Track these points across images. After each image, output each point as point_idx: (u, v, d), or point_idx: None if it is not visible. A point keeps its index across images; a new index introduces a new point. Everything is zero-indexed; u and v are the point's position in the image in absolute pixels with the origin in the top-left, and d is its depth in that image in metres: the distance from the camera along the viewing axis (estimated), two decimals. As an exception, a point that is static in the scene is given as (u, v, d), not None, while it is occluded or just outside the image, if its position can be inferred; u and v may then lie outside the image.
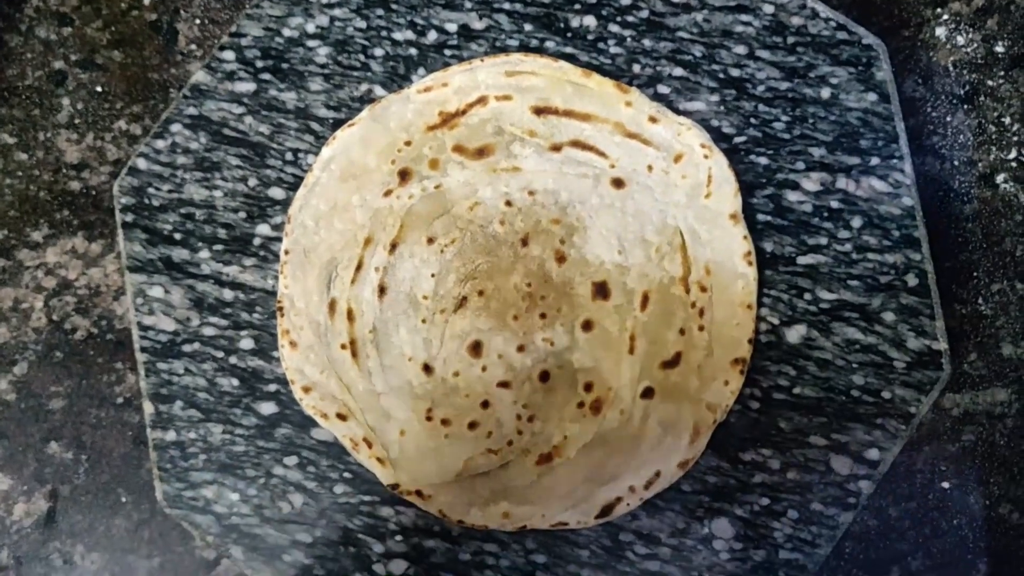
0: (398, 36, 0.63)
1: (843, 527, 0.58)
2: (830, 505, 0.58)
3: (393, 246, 0.60)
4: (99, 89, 0.67)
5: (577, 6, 0.62)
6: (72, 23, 0.67)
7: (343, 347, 0.60)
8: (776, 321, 0.60)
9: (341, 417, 0.59)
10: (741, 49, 0.61)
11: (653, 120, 0.60)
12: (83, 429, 0.65)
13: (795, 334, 0.59)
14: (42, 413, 0.64)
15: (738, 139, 0.61)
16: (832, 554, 0.59)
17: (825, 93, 0.60)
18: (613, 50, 0.62)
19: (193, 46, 0.67)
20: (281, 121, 0.62)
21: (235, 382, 0.60)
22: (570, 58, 0.62)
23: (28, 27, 0.67)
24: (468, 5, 0.62)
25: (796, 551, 0.58)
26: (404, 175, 0.61)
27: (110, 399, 0.64)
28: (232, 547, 0.59)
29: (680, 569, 0.58)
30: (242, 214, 0.62)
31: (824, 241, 0.60)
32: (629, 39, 0.62)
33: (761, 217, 0.60)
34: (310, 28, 0.63)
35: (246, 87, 0.63)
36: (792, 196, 0.60)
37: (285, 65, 0.63)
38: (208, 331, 0.61)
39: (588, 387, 0.59)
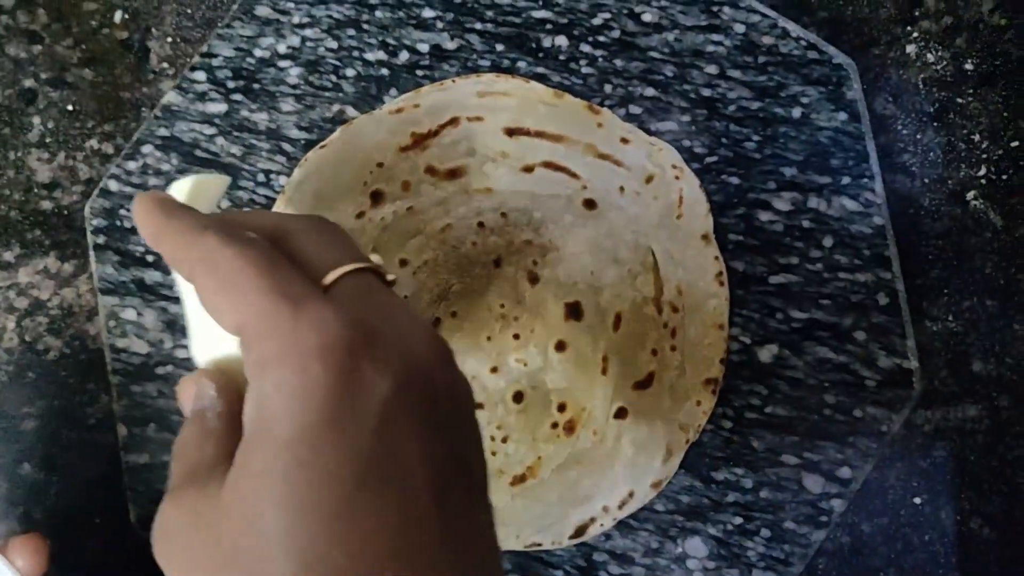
0: (370, 56, 0.63)
1: (815, 545, 0.58)
2: (803, 523, 0.58)
3: (366, 267, 0.60)
4: (70, 108, 0.66)
5: (549, 26, 0.62)
6: (42, 41, 0.67)
7: (316, 369, 0.59)
8: (748, 340, 0.60)
9: (315, 439, 0.59)
10: (712, 69, 0.61)
11: (625, 141, 0.60)
12: (56, 450, 0.64)
13: (767, 353, 0.60)
14: (14, 434, 0.64)
15: (709, 159, 0.61)
16: (805, 572, 0.60)
17: (796, 112, 0.61)
18: (585, 70, 0.62)
19: (165, 64, 0.67)
20: (253, 142, 0.62)
21: (208, 405, 0.60)
22: (542, 78, 0.62)
23: (-2, 46, 0.67)
24: (440, 25, 0.62)
25: (769, 569, 0.58)
26: (376, 197, 0.61)
27: (83, 420, 0.64)
28: (206, 570, 0.59)
29: (653, 589, 0.59)
30: (214, 236, 0.61)
31: (795, 260, 0.60)
32: (600, 59, 0.62)
33: (732, 237, 0.60)
34: (281, 48, 0.63)
35: (217, 108, 0.62)
36: (763, 216, 0.60)
37: (256, 86, 0.62)
38: (181, 353, 0.61)
39: (561, 408, 0.59)
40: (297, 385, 0.29)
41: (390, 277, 0.36)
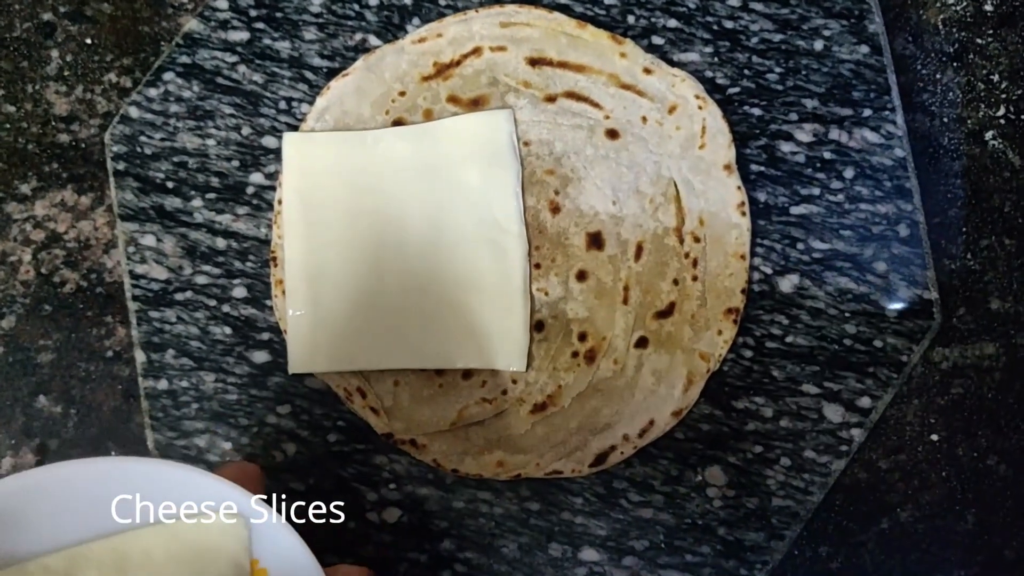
0: (393, -14, 0.63)
1: (835, 474, 0.58)
2: (822, 453, 0.58)
3: (387, 196, 0.60)
4: (88, 41, 0.66)
5: (572, -43, 0.62)
6: (61, -25, 0.67)
7: (337, 296, 0.59)
8: (769, 271, 0.60)
9: (335, 366, 0.59)
10: (735, 1, 0.61)
11: (647, 71, 0.60)
12: (72, 383, 0.64)
13: (788, 283, 0.60)
14: (30, 367, 0.64)
15: (732, 90, 0.61)
16: (823, 506, 0.60)
17: (818, 45, 0.61)
18: (608, 1, 0.62)
19: (184, -1, 0.67)
20: (275, 70, 0.62)
21: (228, 331, 0.60)
22: (565, 9, 0.62)
23: (17, -22, 0.67)
24: (463, -44, 0.62)
25: (788, 498, 0.58)
26: (398, 125, 0.61)
27: (100, 352, 0.64)
28: (224, 497, 0.59)
29: (673, 516, 0.59)
30: (235, 163, 0.61)
31: (817, 191, 0.60)
32: (624, -10, 0.62)
33: (754, 168, 0.61)
34: (304, -23, 0.63)
35: (239, 36, 0.62)
36: (785, 147, 0.61)
37: (279, 14, 0.62)
38: (201, 280, 0.61)
39: (582, 337, 0.59)
40: None
41: None
